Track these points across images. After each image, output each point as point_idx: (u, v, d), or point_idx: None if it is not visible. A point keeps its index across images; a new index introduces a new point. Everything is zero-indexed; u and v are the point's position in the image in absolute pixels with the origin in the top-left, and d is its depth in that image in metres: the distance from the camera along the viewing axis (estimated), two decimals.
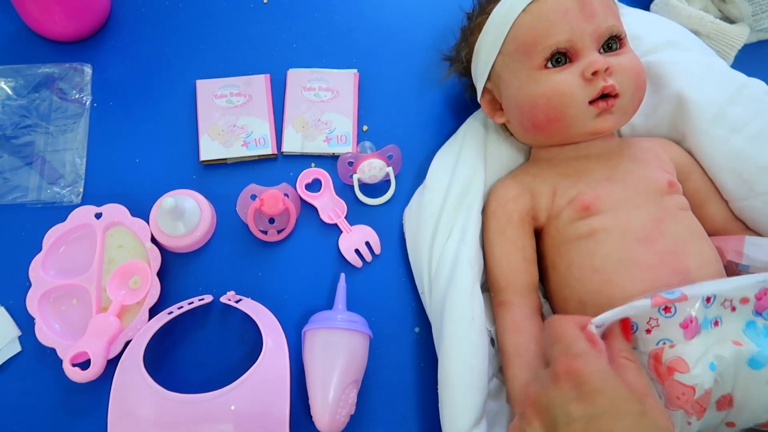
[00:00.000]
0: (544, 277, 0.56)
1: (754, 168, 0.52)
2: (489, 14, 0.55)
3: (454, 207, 0.57)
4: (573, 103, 0.51)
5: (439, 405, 0.51)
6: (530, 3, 0.52)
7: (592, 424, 0.35)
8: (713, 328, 0.44)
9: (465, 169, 0.59)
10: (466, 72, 0.62)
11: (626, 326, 0.45)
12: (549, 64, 0.52)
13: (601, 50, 0.52)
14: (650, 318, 0.44)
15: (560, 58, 0.52)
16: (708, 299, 0.44)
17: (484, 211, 0.58)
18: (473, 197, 0.58)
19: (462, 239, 0.55)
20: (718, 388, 0.43)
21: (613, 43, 0.53)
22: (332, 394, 0.51)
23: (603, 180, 0.53)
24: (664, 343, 0.43)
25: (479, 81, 0.58)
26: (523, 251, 0.55)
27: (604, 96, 0.51)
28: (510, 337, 0.52)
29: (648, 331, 0.44)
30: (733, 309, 0.44)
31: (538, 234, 0.56)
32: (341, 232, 0.62)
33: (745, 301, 0.45)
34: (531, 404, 0.40)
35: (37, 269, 0.57)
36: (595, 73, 0.50)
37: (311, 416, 0.52)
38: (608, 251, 0.49)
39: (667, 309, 0.43)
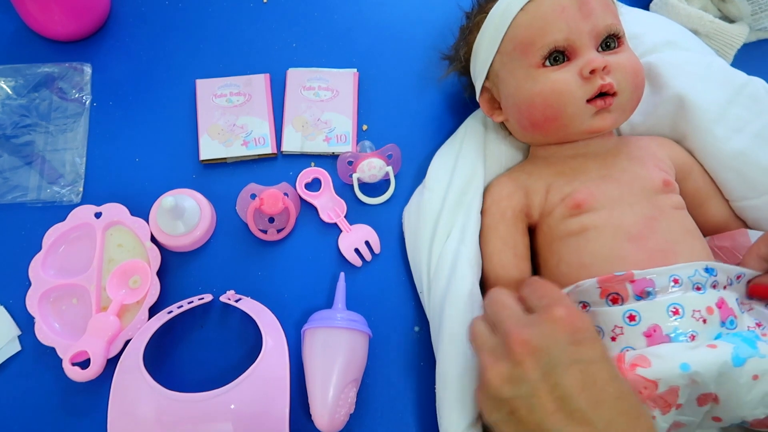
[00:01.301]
0: (537, 274, 0.56)
1: (757, 167, 0.53)
2: (487, 13, 0.55)
3: (454, 206, 0.57)
4: (571, 102, 0.51)
5: (437, 405, 0.51)
6: (528, 2, 0.52)
7: (590, 366, 0.38)
8: (689, 341, 0.44)
9: (464, 169, 0.59)
10: (465, 71, 0.62)
11: None
12: (547, 63, 0.52)
13: (600, 49, 0.52)
14: (615, 326, 0.45)
15: (558, 56, 0.52)
16: (676, 311, 0.44)
17: (481, 209, 0.58)
18: (472, 197, 0.58)
19: (462, 239, 0.55)
20: (695, 389, 0.42)
21: (611, 41, 0.52)
22: (332, 393, 0.51)
23: (598, 178, 0.53)
24: (628, 350, 0.44)
25: (478, 80, 0.58)
26: (514, 248, 0.55)
27: (602, 94, 0.51)
28: None
29: (613, 339, 0.45)
30: (704, 321, 0.45)
31: (532, 231, 0.56)
32: (341, 231, 0.62)
33: (711, 311, 0.45)
34: (524, 344, 0.39)
35: (36, 268, 0.57)
36: (592, 72, 0.50)
37: (311, 415, 0.52)
38: (597, 249, 0.50)
39: (631, 317, 0.45)
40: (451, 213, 0.57)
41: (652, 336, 0.44)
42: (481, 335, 0.44)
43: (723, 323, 0.45)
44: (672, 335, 0.44)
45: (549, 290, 0.43)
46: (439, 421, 0.50)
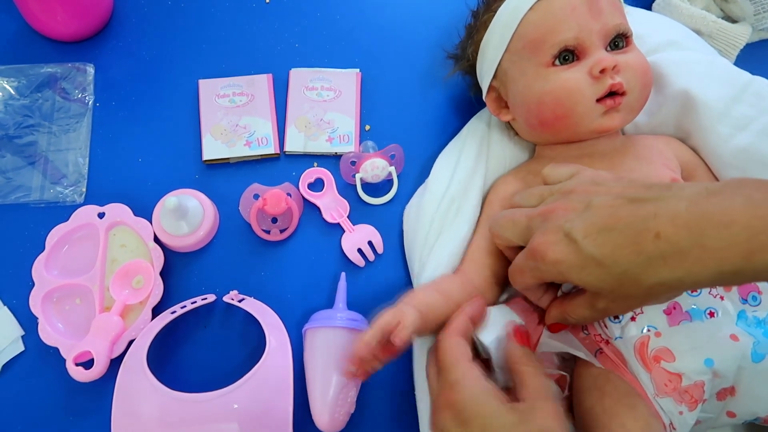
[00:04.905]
0: None
1: (760, 164, 0.53)
2: (495, 12, 0.55)
3: (447, 211, 0.58)
4: (581, 101, 0.51)
5: (417, 406, 0.52)
6: (538, 1, 0.52)
7: None
8: (708, 318, 0.44)
9: (463, 173, 0.59)
10: (470, 70, 0.62)
11: (520, 333, 0.46)
12: (557, 62, 0.52)
13: (608, 48, 0.52)
14: None
15: (568, 55, 0.52)
16: (693, 288, 0.45)
17: (482, 205, 0.58)
18: (469, 202, 0.58)
19: (451, 245, 0.55)
20: (717, 383, 0.44)
21: (619, 41, 0.53)
22: (331, 392, 0.51)
23: None
24: (649, 330, 0.45)
25: (485, 78, 0.58)
26: None
27: (612, 94, 0.51)
28: (443, 279, 0.53)
29: (633, 319, 0.46)
30: (722, 298, 0.45)
31: None
32: (344, 231, 0.62)
33: (727, 288, 0.46)
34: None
35: (40, 269, 0.57)
36: (603, 71, 0.50)
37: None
38: None
39: None
40: (444, 217, 0.57)
41: (672, 313, 0.45)
42: (430, 382, 0.46)
43: (744, 300, 0.46)
44: (691, 312, 0.44)
45: (442, 360, 0.44)
46: (420, 422, 0.52)
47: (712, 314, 0.44)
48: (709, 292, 0.45)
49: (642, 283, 0.37)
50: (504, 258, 0.53)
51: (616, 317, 0.46)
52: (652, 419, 0.43)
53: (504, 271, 0.54)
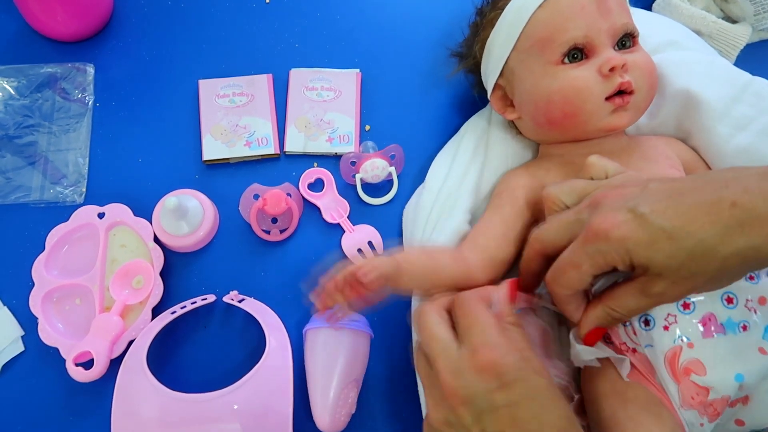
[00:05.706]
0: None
1: (760, 164, 0.52)
2: (502, 10, 0.55)
3: (443, 206, 0.57)
4: (590, 99, 0.51)
5: (422, 403, 0.51)
6: None
7: (515, 408, 0.38)
8: (741, 332, 0.43)
9: (459, 168, 0.59)
10: (475, 68, 0.61)
11: (512, 289, 0.44)
12: (565, 60, 0.52)
13: (615, 47, 0.52)
14: (668, 314, 0.43)
15: (576, 54, 0.52)
16: (730, 299, 0.44)
17: (491, 194, 0.58)
18: (463, 193, 0.57)
19: (443, 237, 0.55)
20: (737, 394, 0.43)
21: (626, 40, 0.53)
22: (332, 393, 0.51)
23: None
24: (682, 341, 0.43)
25: (491, 77, 0.58)
26: (510, 230, 0.53)
27: (620, 92, 0.51)
28: (436, 246, 0.53)
29: (665, 328, 0.44)
30: (755, 311, 0.44)
31: None
32: (344, 231, 0.62)
33: (763, 301, 0.44)
34: (454, 395, 0.40)
35: (39, 269, 0.57)
36: (612, 70, 0.50)
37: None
38: None
39: (686, 305, 0.43)
40: (440, 212, 0.57)
41: (707, 324, 0.43)
42: (422, 369, 0.44)
43: None
44: (726, 324, 0.43)
45: (475, 318, 0.42)
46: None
47: (745, 328, 0.43)
48: (745, 305, 0.44)
49: (717, 254, 0.36)
50: (504, 244, 0.52)
51: (647, 324, 0.44)
52: (677, 429, 0.42)
53: (501, 256, 0.53)
